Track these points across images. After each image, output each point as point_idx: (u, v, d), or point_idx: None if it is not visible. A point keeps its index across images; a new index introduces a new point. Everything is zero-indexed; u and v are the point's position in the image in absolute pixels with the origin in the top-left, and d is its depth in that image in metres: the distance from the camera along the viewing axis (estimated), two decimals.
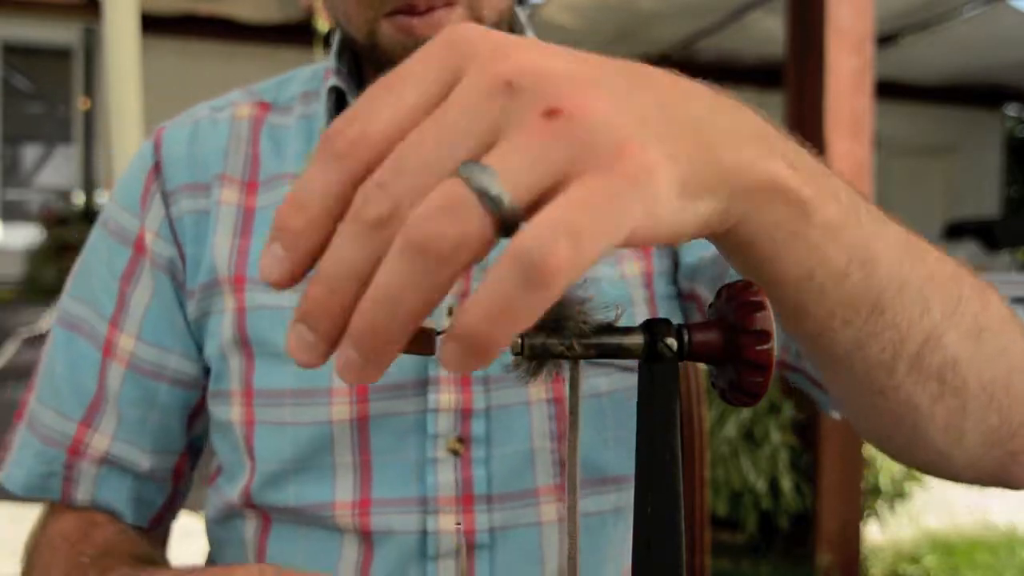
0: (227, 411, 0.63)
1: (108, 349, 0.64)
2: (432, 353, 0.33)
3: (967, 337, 0.43)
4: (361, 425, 0.60)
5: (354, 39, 0.61)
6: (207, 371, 0.66)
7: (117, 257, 0.65)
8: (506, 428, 0.61)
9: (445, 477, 0.59)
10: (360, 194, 0.25)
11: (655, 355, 0.32)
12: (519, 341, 0.32)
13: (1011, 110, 8.87)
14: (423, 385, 0.60)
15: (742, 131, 0.33)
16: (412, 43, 0.56)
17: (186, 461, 0.68)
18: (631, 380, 0.64)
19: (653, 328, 0.33)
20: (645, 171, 0.25)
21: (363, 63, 0.68)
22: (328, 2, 0.63)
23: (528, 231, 0.23)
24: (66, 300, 0.66)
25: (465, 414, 0.60)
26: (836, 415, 0.64)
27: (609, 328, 0.33)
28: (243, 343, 0.62)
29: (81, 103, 6.61)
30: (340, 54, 0.67)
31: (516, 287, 0.23)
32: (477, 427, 0.60)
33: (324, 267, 0.26)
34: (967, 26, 5.27)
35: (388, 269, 0.24)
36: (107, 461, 0.63)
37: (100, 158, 6.41)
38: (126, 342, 0.64)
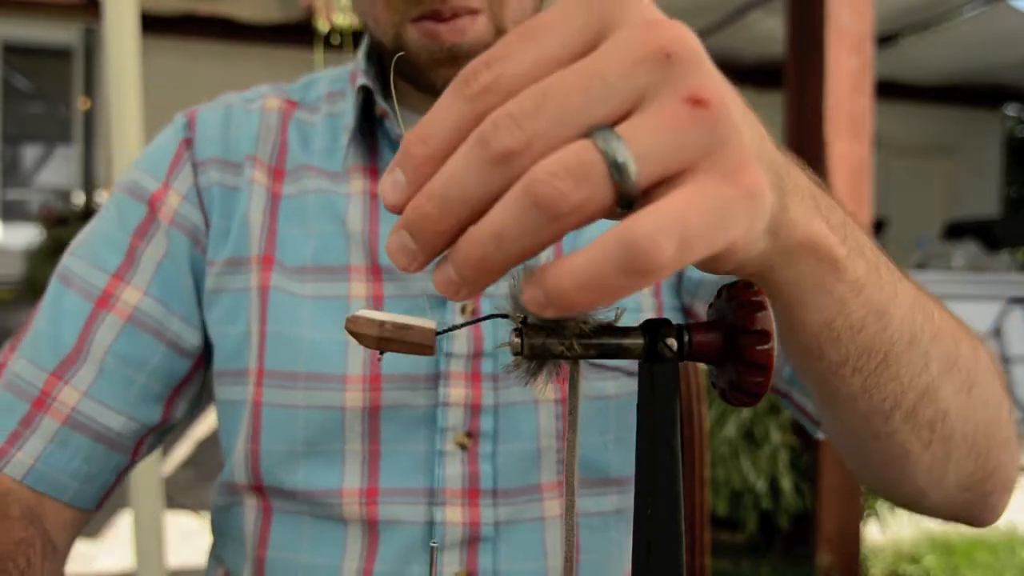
0: (240, 390, 0.63)
1: (105, 300, 0.61)
2: (432, 353, 0.33)
3: (959, 391, 0.46)
4: (372, 414, 0.60)
5: (381, 42, 0.63)
6: (205, 347, 0.66)
7: (131, 214, 0.65)
8: (513, 425, 0.61)
9: (452, 470, 0.60)
10: (490, 121, 0.25)
11: (655, 355, 0.32)
12: (519, 341, 0.32)
13: (1011, 110, 8.86)
14: (435, 379, 0.61)
15: (800, 185, 0.34)
16: (437, 47, 0.59)
17: (149, 439, 0.64)
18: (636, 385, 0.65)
19: (653, 328, 0.33)
20: (759, 191, 0.26)
21: (388, 66, 0.69)
22: (356, 5, 0.65)
23: (644, 219, 0.23)
24: (66, 257, 0.65)
25: (474, 410, 0.61)
26: (821, 436, 0.67)
27: (609, 328, 0.33)
28: (262, 323, 0.62)
29: (81, 103, 6.60)
30: (368, 56, 0.69)
31: (615, 266, 0.23)
32: (485, 423, 0.61)
33: (441, 185, 0.26)
34: (967, 26, 5.26)
35: (505, 211, 0.25)
36: (71, 420, 0.59)
37: (100, 158, 6.40)
38: (131, 295, 0.62)
